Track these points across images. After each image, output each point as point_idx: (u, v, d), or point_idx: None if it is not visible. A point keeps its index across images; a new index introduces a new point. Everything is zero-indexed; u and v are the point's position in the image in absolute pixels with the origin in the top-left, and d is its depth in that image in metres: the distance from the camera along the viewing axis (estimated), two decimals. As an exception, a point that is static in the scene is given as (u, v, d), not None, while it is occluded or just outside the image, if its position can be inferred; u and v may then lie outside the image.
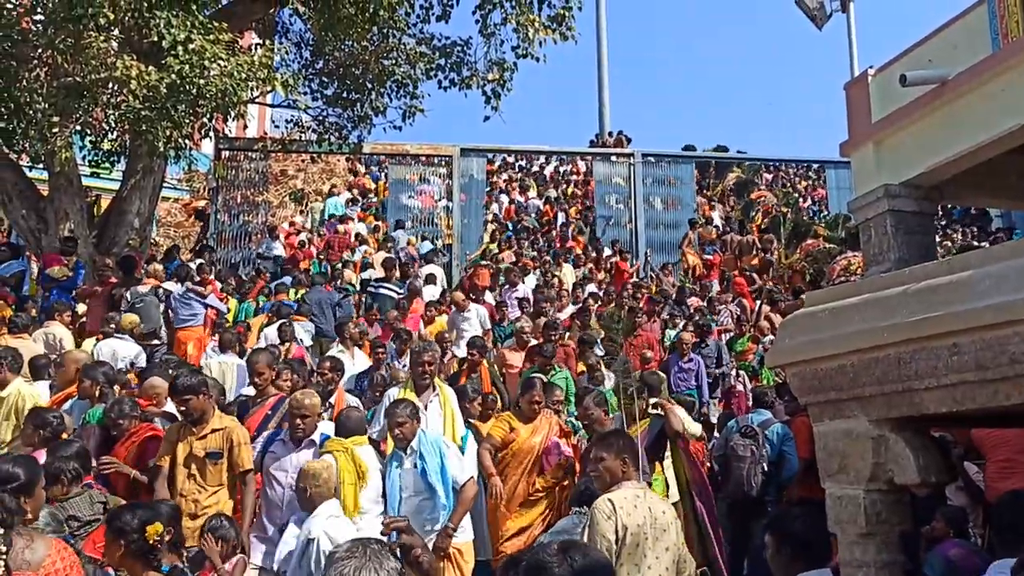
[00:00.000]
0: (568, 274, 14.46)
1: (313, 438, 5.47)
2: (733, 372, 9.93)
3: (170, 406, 6.13)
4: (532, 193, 23.32)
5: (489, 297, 12.64)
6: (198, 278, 10.91)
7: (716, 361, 10.43)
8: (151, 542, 3.51)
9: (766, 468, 6.95)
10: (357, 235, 16.41)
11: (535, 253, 16.56)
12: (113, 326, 9.01)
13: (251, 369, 6.61)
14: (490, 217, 19.18)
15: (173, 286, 10.71)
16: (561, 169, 26.07)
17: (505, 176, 24.87)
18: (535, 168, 26.86)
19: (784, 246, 17.01)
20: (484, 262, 14.37)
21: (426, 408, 6.07)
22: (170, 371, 6.84)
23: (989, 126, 7.51)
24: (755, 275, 14.64)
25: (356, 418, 5.74)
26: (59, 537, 3.63)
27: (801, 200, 23.02)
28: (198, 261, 12.46)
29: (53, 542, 3.17)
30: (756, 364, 10.13)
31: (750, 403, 9.00)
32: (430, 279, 13.39)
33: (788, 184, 25.16)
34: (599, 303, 12.76)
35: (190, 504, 5.23)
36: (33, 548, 3.04)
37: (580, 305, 12.20)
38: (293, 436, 5.48)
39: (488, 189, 20.69)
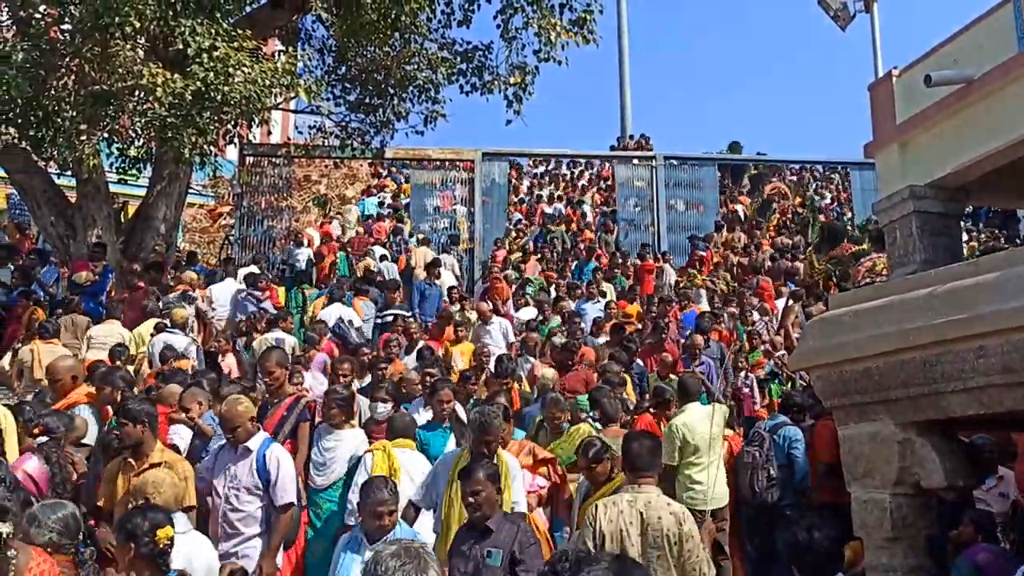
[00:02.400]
0: (608, 293, 14.30)
1: (249, 445, 5.15)
2: (742, 375, 9.83)
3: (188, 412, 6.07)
4: (555, 192, 23.29)
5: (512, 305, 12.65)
6: (260, 285, 11.43)
7: (720, 362, 10.34)
8: (161, 546, 3.56)
9: (772, 473, 6.80)
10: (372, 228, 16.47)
11: (557, 262, 16.51)
12: (167, 321, 9.42)
13: (262, 368, 6.40)
14: (511, 224, 19.10)
15: (228, 288, 11.41)
16: (587, 174, 25.95)
17: (527, 183, 24.84)
18: (559, 172, 26.76)
19: (815, 250, 16.75)
20: (506, 272, 14.29)
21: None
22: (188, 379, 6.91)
23: (1017, 126, 7.41)
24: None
25: (402, 422, 5.97)
26: (45, 547, 3.67)
27: (823, 201, 22.75)
28: (254, 268, 12.81)
29: (32, 549, 3.25)
30: (767, 377, 10.00)
31: (755, 404, 9.05)
32: (443, 264, 13.73)
33: (807, 184, 24.85)
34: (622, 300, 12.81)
35: None
36: (18, 557, 3.13)
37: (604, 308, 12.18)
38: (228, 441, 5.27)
39: (511, 190, 20.64)
